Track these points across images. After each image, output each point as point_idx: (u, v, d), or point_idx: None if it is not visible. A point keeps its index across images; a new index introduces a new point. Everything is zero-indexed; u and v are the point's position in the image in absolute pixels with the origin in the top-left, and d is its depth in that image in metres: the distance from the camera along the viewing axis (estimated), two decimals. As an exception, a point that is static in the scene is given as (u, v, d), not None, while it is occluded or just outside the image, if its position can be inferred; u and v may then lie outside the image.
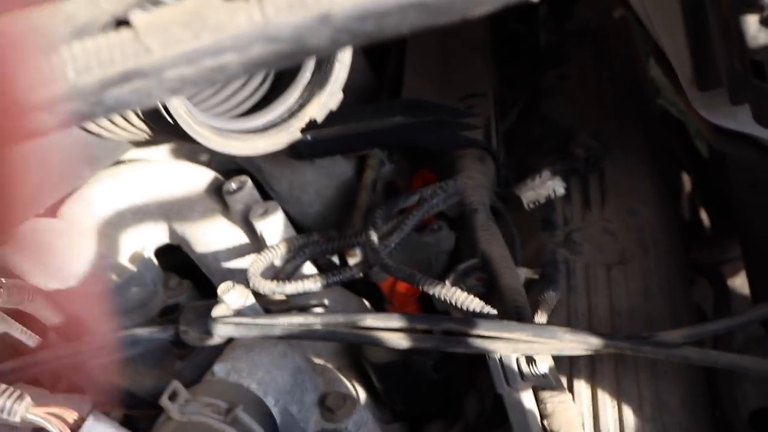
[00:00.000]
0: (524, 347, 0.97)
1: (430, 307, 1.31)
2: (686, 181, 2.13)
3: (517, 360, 0.98)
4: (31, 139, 0.61)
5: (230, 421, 1.04)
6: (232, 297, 1.12)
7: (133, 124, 1.18)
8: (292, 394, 1.15)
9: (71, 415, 0.80)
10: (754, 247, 1.48)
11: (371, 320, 1.03)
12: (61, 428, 0.79)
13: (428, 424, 1.22)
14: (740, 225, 1.57)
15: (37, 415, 0.81)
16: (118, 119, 1.17)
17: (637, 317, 1.14)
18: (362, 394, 1.31)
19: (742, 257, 1.70)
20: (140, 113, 1.15)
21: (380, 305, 1.40)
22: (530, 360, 0.98)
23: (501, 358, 0.99)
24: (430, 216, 1.32)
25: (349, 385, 1.30)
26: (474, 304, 1.02)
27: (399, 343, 1.02)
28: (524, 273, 1.15)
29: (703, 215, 2.22)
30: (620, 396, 1.03)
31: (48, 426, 0.79)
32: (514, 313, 1.03)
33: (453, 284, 1.09)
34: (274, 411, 1.11)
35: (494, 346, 0.98)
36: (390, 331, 1.02)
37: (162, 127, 1.16)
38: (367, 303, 1.36)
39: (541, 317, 1.02)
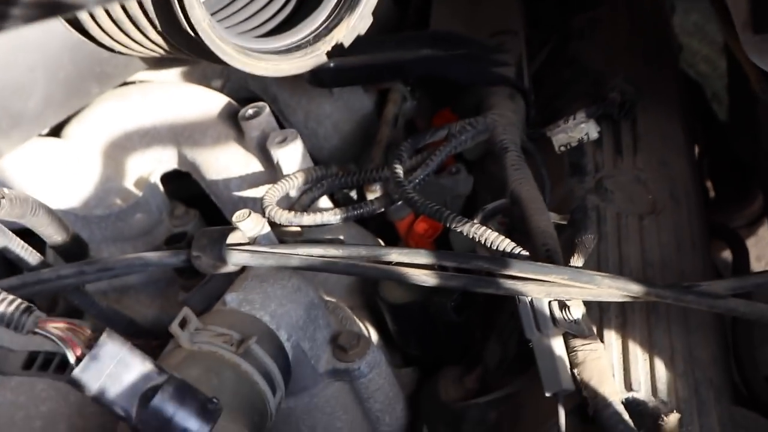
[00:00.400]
0: (559, 291, 0.92)
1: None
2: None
3: (550, 304, 0.93)
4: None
5: (242, 353, 0.99)
6: (248, 224, 1.06)
7: (149, 38, 1.12)
8: (305, 329, 1.10)
9: (83, 332, 0.74)
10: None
11: (396, 255, 0.98)
12: (72, 345, 0.73)
13: (442, 369, 1.17)
14: (766, 185, 1.53)
15: (46, 330, 0.75)
16: (134, 32, 1.10)
17: (669, 270, 1.09)
18: (374, 336, 1.26)
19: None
20: (158, 26, 1.09)
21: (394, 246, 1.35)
22: (563, 305, 0.93)
23: (532, 301, 0.94)
24: (449, 158, 1.27)
25: (361, 325, 1.25)
26: (505, 244, 0.97)
27: (425, 281, 0.97)
28: (552, 218, 1.09)
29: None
30: (652, 348, 0.99)
31: (58, 342, 0.73)
32: (545, 256, 0.98)
33: (480, 224, 1.03)
34: (287, 346, 1.07)
35: (527, 288, 0.93)
36: (416, 267, 0.97)
37: (181, 42, 1.09)
38: (381, 242, 1.31)
39: (577, 261, 0.96)
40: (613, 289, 0.91)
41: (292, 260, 1.02)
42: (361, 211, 1.13)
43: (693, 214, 1.22)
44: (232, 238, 1.05)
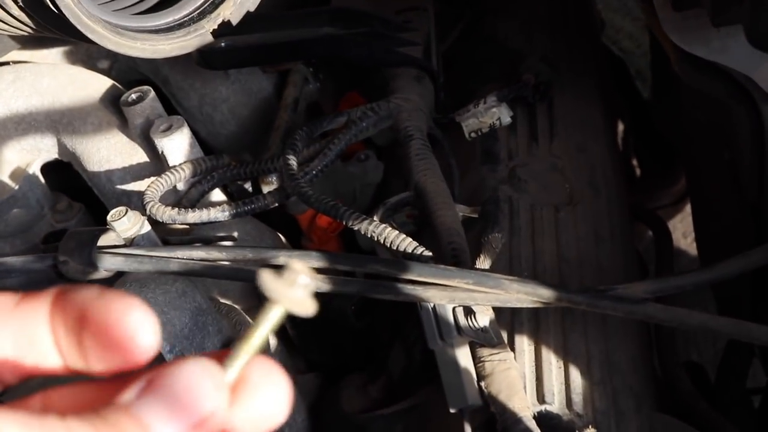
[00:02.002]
0: (463, 296, 0.83)
1: (354, 246, 1.17)
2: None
3: (454, 311, 0.85)
4: None
5: (114, 370, 0.88)
6: (123, 224, 0.95)
7: (11, 15, 1.00)
8: (191, 338, 1.00)
9: None
10: (700, 188, 1.38)
11: (284, 258, 0.88)
12: None
13: (346, 376, 1.08)
14: (688, 165, 1.47)
15: None
16: (-5, 8, 0.98)
17: (586, 265, 1.01)
18: (273, 340, 1.17)
19: (690, 200, 1.62)
20: (20, 1, 0.97)
21: (297, 241, 1.25)
22: (469, 311, 0.84)
23: (435, 307, 0.85)
24: (357, 144, 1.17)
25: (258, 329, 1.15)
26: (405, 244, 0.88)
27: (317, 286, 0.87)
28: (462, 211, 1.00)
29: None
30: (567, 355, 0.91)
31: None
32: (451, 256, 0.89)
33: (381, 220, 0.94)
34: (168, 357, 0.96)
35: (428, 294, 0.84)
36: (307, 271, 0.87)
37: (46, 19, 0.98)
38: (282, 238, 1.21)
39: (483, 262, 0.88)
40: (522, 294, 0.82)
41: (170, 264, 0.91)
42: (253, 206, 1.02)
43: (614, 202, 1.14)
44: (104, 240, 0.95)
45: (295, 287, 0.39)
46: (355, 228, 0.91)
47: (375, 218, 0.93)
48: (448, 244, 0.90)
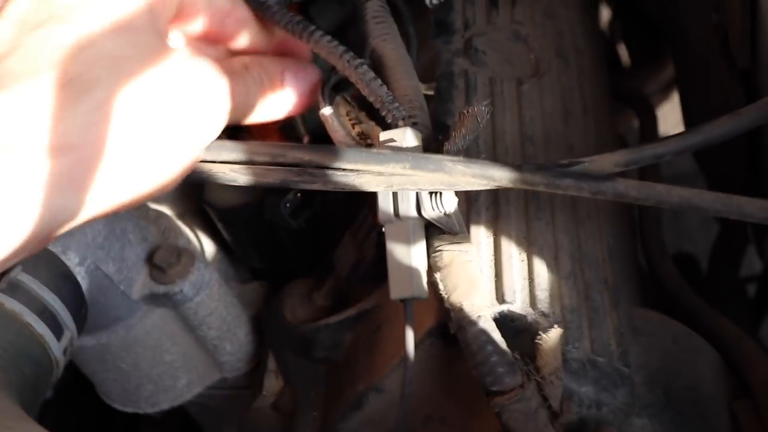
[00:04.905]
0: (401, 182, 0.70)
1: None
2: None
3: (418, 195, 0.72)
4: None
5: (5, 287, 0.76)
6: None
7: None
8: (108, 249, 0.88)
9: None
10: (687, 60, 1.24)
11: (196, 149, 0.75)
12: None
13: (287, 285, 0.95)
14: (673, 37, 1.33)
15: None
16: None
17: (554, 144, 0.88)
18: (210, 248, 1.04)
19: (676, 77, 1.49)
20: None
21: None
22: (434, 194, 0.72)
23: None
24: None
25: (192, 235, 1.03)
26: (383, 91, 0.75)
27: (234, 179, 0.74)
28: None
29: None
30: (531, 246, 0.78)
31: None
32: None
33: (328, 102, 0.81)
34: (79, 271, 0.85)
35: (361, 181, 0.71)
36: (222, 163, 0.74)
37: None
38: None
39: (462, 139, 0.72)
40: (469, 177, 0.69)
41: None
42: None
43: (586, 75, 1.00)
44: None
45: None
46: (318, 49, 0.78)
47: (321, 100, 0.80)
48: (409, 118, 0.77)
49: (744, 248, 1.43)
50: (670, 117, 2.13)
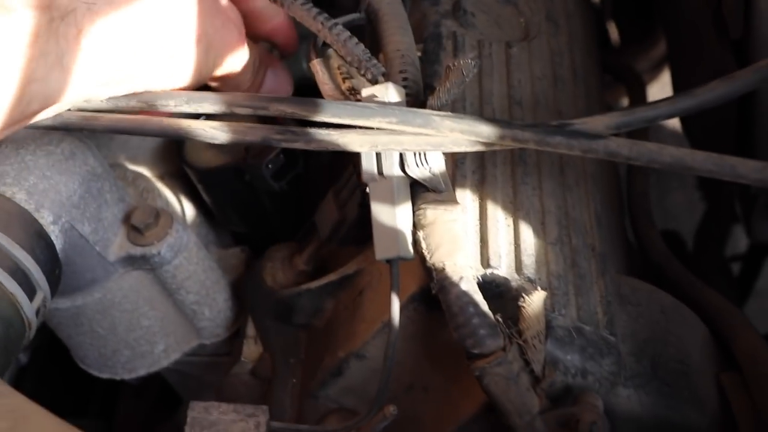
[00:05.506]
0: (387, 140, 0.68)
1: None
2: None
3: (402, 153, 0.70)
4: None
5: (-25, 245, 0.74)
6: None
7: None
8: (83, 208, 0.86)
9: None
10: (678, 33, 1.23)
11: (175, 102, 0.72)
12: None
13: (268, 249, 0.93)
14: (665, 9, 1.31)
15: None
16: None
17: (542, 108, 0.86)
18: (191, 211, 1.02)
19: (668, 52, 1.48)
20: None
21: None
22: (419, 153, 0.70)
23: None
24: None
25: (172, 197, 1.01)
26: (360, 50, 0.74)
27: (214, 136, 0.72)
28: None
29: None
30: (517, 211, 0.76)
31: None
32: (403, 87, 0.74)
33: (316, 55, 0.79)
34: (53, 230, 0.82)
35: (346, 140, 0.69)
36: (203, 119, 0.72)
37: None
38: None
39: (446, 94, 0.70)
40: (457, 133, 0.67)
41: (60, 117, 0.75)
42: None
43: (576, 39, 0.99)
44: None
45: None
46: (293, 13, 0.76)
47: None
48: (400, 73, 0.75)
49: (730, 225, 1.42)
50: (659, 97, 2.13)
